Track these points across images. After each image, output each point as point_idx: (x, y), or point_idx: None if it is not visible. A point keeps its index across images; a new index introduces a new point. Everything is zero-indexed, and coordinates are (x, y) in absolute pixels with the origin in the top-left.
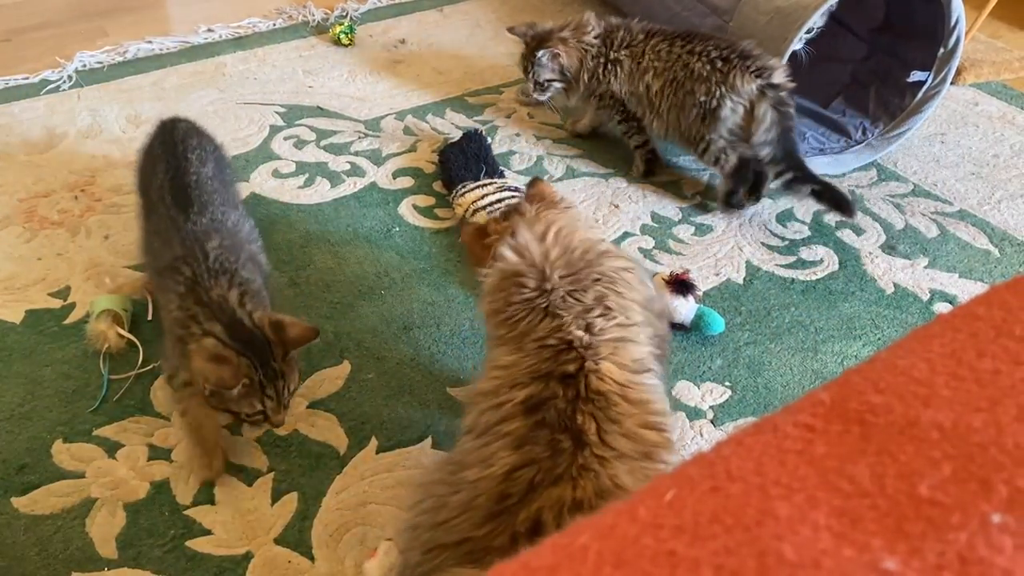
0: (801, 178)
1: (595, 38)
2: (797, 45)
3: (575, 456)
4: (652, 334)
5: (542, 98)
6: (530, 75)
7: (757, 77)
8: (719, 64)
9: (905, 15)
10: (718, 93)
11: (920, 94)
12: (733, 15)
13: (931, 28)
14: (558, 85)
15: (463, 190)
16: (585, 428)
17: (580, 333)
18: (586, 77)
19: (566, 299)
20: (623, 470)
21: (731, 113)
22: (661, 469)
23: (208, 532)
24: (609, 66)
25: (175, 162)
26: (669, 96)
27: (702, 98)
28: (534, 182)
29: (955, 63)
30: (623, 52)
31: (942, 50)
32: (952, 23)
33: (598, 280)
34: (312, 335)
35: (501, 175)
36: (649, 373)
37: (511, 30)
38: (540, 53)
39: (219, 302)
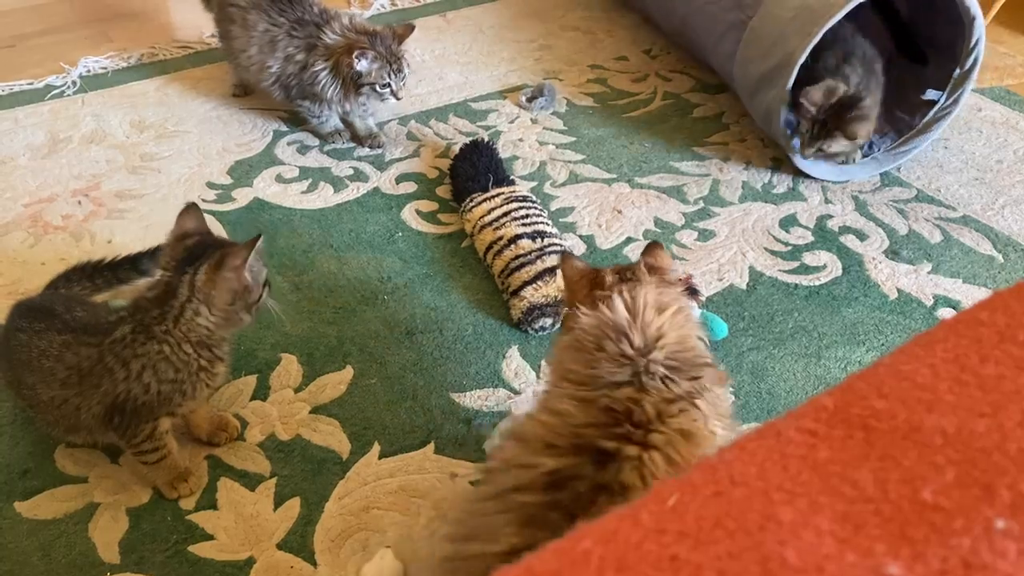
0: None
1: None
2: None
3: None
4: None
5: None
6: None
7: None
8: None
9: (926, 34)
10: None
11: (931, 114)
12: (756, 9)
13: (950, 47)
14: None
15: (471, 204)
16: None
17: (651, 411)
18: None
19: (657, 379)
20: None
21: None
22: None
23: (210, 537)
24: None
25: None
26: None
27: None
28: (652, 249)
29: (970, 85)
30: None
31: (958, 71)
32: (972, 43)
33: (695, 379)
34: (193, 208)
35: (511, 183)
36: None
37: None
38: None
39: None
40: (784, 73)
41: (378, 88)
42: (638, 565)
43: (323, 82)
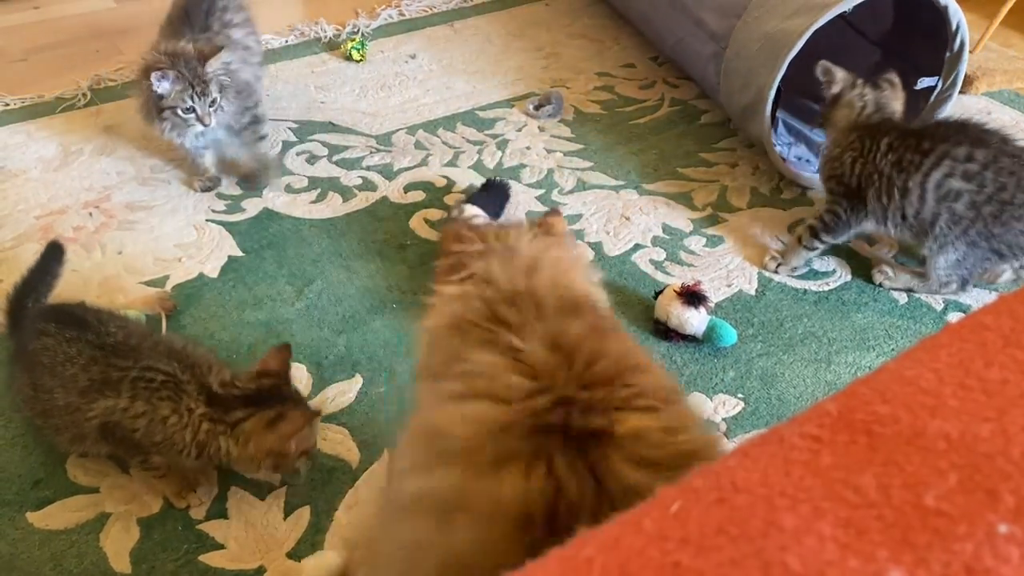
0: None
1: None
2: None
3: None
4: None
5: None
6: None
7: None
8: None
9: (911, 20)
10: None
11: (932, 99)
12: (728, 41)
13: (937, 32)
14: None
15: None
16: None
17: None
18: None
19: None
20: None
21: None
22: None
23: (221, 546)
24: None
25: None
26: None
27: None
28: (552, 213)
29: (963, 67)
30: None
31: (948, 53)
32: (954, 27)
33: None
34: (286, 351)
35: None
36: None
37: None
38: None
39: (214, 389)
40: (760, 108)
41: (180, 112)
42: (640, 572)
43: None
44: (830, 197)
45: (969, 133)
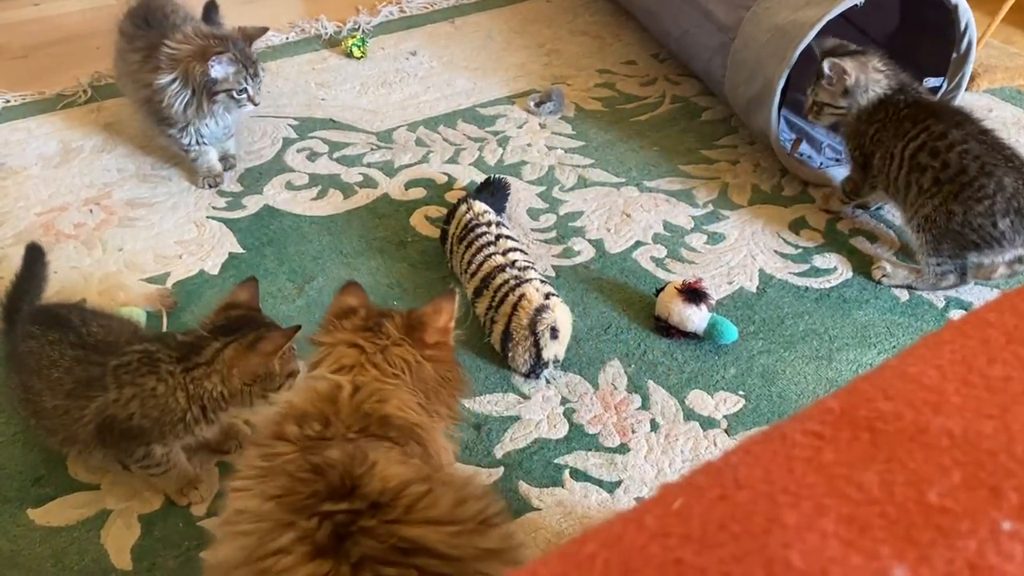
0: None
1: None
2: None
3: None
4: None
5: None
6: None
7: None
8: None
9: (917, 19)
10: None
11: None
12: (738, 31)
13: (943, 32)
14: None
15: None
16: None
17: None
18: None
19: None
20: None
21: None
22: None
23: None
24: None
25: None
26: None
27: None
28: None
29: (969, 67)
30: None
31: (955, 54)
32: (962, 27)
33: None
34: (253, 284)
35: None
36: None
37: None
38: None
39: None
40: (767, 100)
41: (235, 95)
42: (642, 569)
43: (171, 95)
44: (851, 165)
45: (954, 116)
